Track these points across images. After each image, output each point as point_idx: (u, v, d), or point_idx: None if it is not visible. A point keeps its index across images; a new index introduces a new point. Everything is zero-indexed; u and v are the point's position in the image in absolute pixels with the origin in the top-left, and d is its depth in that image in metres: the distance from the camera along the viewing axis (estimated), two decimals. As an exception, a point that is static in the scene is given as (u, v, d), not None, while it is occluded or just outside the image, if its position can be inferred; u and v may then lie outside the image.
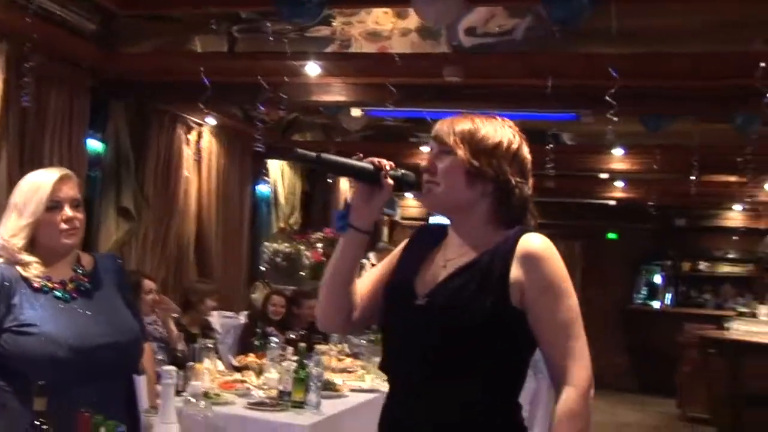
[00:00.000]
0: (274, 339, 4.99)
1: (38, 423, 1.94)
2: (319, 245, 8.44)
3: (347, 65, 4.86)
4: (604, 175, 8.55)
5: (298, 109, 7.11)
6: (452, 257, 1.91)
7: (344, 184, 10.68)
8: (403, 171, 1.91)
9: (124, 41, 5.22)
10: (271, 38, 4.86)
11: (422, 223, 13.04)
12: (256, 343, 5.24)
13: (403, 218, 13.48)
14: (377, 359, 5.05)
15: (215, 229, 7.32)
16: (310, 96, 5.12)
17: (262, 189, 8.49)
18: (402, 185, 1.89)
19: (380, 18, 5.05)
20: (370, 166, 1.86)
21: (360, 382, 4.87)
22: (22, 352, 2.34)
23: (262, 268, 8.01)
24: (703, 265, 12.98)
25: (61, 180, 2.50)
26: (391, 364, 1.95)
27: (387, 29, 5.03)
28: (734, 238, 12.60)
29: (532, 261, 1.81)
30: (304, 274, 7.98)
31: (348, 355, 5.67)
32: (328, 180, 9.91)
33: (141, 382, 2.62)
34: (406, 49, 4.88)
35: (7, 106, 4.65)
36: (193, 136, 6.95)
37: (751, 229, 12.39)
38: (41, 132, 4.97)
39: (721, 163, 7.01)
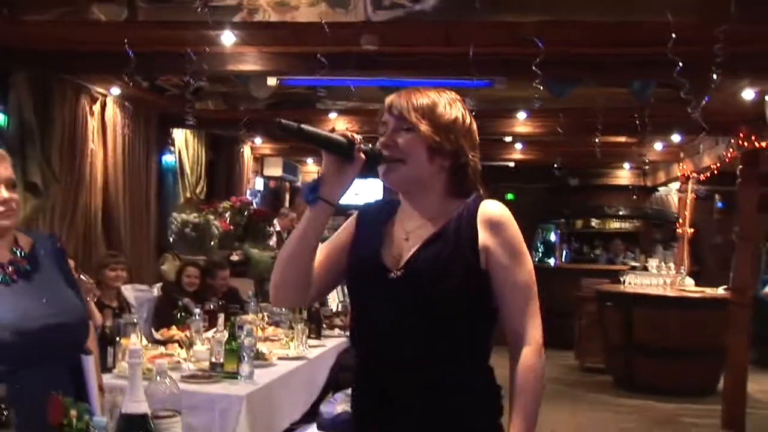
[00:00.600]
0: (197, 311, 4.97)
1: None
2: (227, 214, 8.39)
3: (263, 34, 4.81)
4: (508, 139, 8.80)
5: (205, 78, 6.98)
6: (412, 229, 1.98)
7: (247, 152, 10.60)
8: (372, 146, 1.95)
9: (23, 10, 4.99)
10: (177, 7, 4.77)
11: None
12: (179, 315, 5.21)
13: (304, 183, 13.47)
14: (298, 326, 5.16)
15: (122, 202, 7.16)
16: (226, 65, 5.06)
17: (168, 159, 8.33)
18: (372, 160, 1.93)
19: None
20: (344, 140, 1.88)
21: (285, 350, 4.93)
22: None
23: (171, 240, 7.89)
24: (594, 222, 13.56)
25: None
26: (366, 337, 2.00)
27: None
28: (623, 195, 13.16)
29: (495, 225, 1.91)
30: (213, 244, 7.92)
31: (269, 324, 5.70)
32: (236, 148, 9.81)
33: (90, 363, 2.59)
34: (315, 20, 4.89)
35: None
36: (97, 107, 6.74)
37: (637, 187, 12.99)
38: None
39: (618, 125, 7.32)
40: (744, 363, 7.35)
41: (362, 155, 1.89)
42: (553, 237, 13.59)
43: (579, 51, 4.85)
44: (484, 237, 1.91)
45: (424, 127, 1.91)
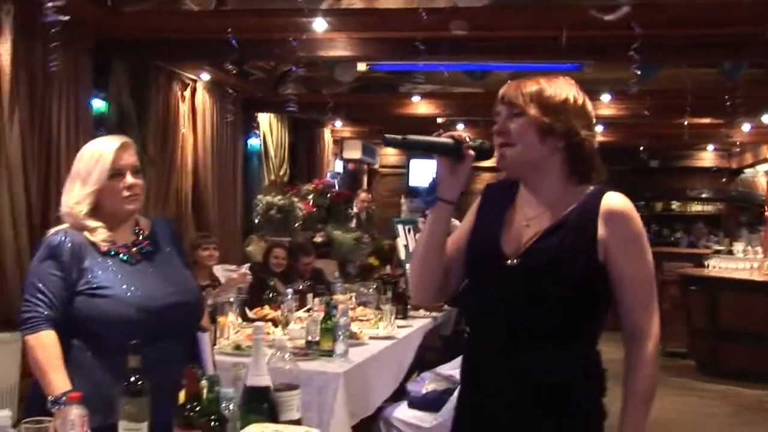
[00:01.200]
0: (289, 291, 5.11)
1: (134, 379, 2.06)
2: (310, 197, 8.55)
3: (353, 20, 4.91)
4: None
5: (292, 63, 7.13)
6: (533, 216, 2.02)
7: (327, 135, 10.75)
8: (479, 140, 2.02)
9: (124, 1, 5.21)
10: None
11: (401, 170, 13.12)
12: (271, 295, 5.37)
13: (382, 166, 13.57)
14: (386, 307, 5.27)
15: (211, 185, 7.38)
16: (317, 51, 5.17)
17: (253, 143, 8.53)
18: (481, 153, 2.00)
19: None
20: (451, 141, 1.97)
21: (375, 330, 5.04)
22: (97, 314, 2.46)
23: (256, 221, 8.09)
24: (675, 205, 13.30)
25: (122, 148, 2.59)
26: (480, 324, 2.06)
27: None
28: (706, 177, 12.88)
29: (617, 218, 1.93)
30: (297, 225, 8.08)
31: (358, 304, 5.82)
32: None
33: (206, 339, 2.74)
34: (399, 5, 4.97)
35: (16, 69, 4.65)
36: (188, 93, 6.96)
37: (722, 169, 12.69)
38: (49, 94, 4.97)
39: (707, 106, 7.20)
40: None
41: (471, 152, 1.97)
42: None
43: (670, 33, 4.80)
44: (603, 230, 1.92)
45: (532, 110, 1.95)
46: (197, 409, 2.00)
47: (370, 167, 13.17)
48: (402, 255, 7.70)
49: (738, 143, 10.70)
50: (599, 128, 9.90)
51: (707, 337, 8.68)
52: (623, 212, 1.94)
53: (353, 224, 8.94)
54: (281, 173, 9.04)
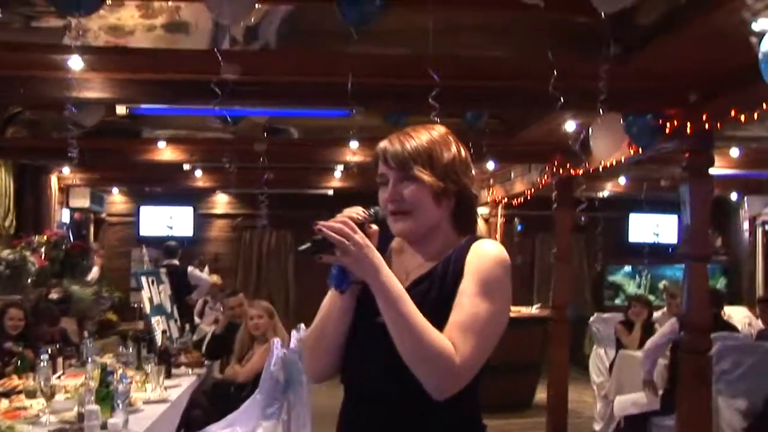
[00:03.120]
0: (44, 357, 4.57)
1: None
2: (43, 249, 7.81)
3: (117, 59, 4.56)
4: (340, 167, 8.88)
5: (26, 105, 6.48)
6: (413, 268, 1.94)
7: (54, 182, 9.92)
8: (375, 209, 1.90)
9: None
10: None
11: (130, 219, 12.45)
12: (19, 363, 4.77)
13: (110, 215, 12.79)
14: (152, 367, 4.91)
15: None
16: (70, 92, 4.69)
17: (-27, 191, 7.63)
18: (383, 224, 1.90)
19: (122, 15, 4.81)
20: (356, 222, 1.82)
21: (143, 393, 4.66)
22: None
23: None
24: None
25: None
26: (355, 379, 1.95)
27: (129, 24, 4.81)
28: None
29: (477, 255, 1.86)
30: (30, 281, 7.33)
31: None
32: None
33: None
34: (151, 45, 4.71)
35: None
36: None
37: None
38: None
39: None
40: (565, 375, 7.85)
41: (373, 227, 1.87)
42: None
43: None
44: (466, 269, 1.86)
45: (427, 177, 1.88)
46: None
47: (97, 216, 12.35)
48: (147, 308, 7.27)
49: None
50: (337, 174, 10.28)
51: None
52: (486, 251, 1.87)
53: (92, 277, 8.30)
54: (7, 224, 8.16)
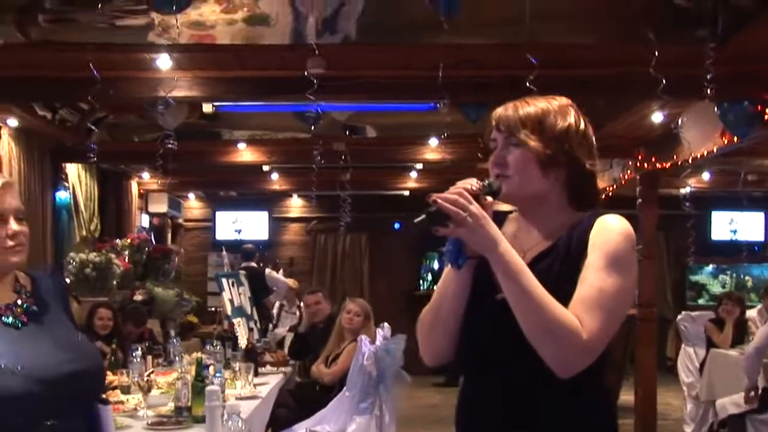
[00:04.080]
0: (137, 353, 4.61)
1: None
2: (126, 252, 7.93)
3: (200, 57, 4.58)
4: (419, 165, 8.79)
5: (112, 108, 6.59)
6: (530, 246, 1.86)
7: (134, 187, 10.10)
8: (487, 181, 1.81)
9: None
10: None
11: (207, 224, 12.62)
12: (112, 360, 4.83)
13: (187, 220, 12.98)
14: (241, 365, 4.92)
15: (18, 242, 6.59)
16: (157, 91, 4.74)
17: (62, 195, 7.78)
18: (495, 196, 1.81)
19: (203, 10, 4.83)
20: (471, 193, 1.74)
21: (233, 390, 4.67)
22: None
23: (68, 281, 7.35)
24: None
25: (2, 188, 2.15)
26: (470, 359, 1.88)
27: (211, 20, 4.82)
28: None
29: (601, 229, 1.78)
30: (115, 283, 7.45)
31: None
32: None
33: (108, 413, 2.31)
34: (233, 39, 4.71)
35: None
36: (-10, 139, 6.22)
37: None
38: None
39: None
40: (653, 375, 7.64)
41: (489, 198, 1.77)
42: (437, 265, 13.67)
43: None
44: (590, 245, 1.77)
45: (532, 141, 1.80)
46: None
47: (174, 221, 12.55)
48: (228, 310, 7.32)
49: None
50: (413, 174, 10.18)
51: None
52: (613, 226, 1.78)
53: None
54: (92, 228, 8.33)
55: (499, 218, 1.92)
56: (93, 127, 5.87)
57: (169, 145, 5.02)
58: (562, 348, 1.66)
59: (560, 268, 1.78)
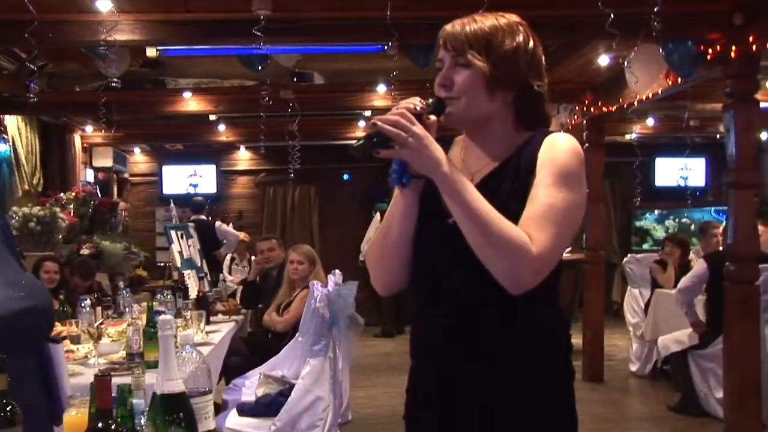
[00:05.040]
0: (87, 303, 4.54)
1: (4, 404, 1.64)
2: (72, 206, 7.78)
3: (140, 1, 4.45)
4: (368, 113, 8.71)
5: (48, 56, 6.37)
6: (478, 168, 1.85)
7: (77, 141, 9.86)
8: (430, 99, 1.77)
9: None
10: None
11: (153, 178, 12.38)
12: (63, 309, 4.76)
13: (133, 175, 12.74)
14: (192, 312, 4.88)
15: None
16: (96, 36, 4.59)
17: (1, 148, 7.57)
18: (439, 114, 1.77)
19: None
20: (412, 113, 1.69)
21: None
22: None
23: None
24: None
25: None
26: (426, 283, 1.88)
27: None
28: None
29: (550, 146, 1.77)
30: (60, 237, 7.31)
31: (158, 313, 5.34)
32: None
33: (60, 352, 2.28)
34: None
35: None
36: None
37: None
38: None
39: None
40: (601, 317, 7.80)
41: (431, 118, 1.73)
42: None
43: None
44: (539, 163, 1.76)
45: (479, 62, 1.77)
46: (112, 428, 1.62)
47: (120, 176, 12.31)
48: (178, 262, 7.24)
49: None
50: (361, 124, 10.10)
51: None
52: (559, 143, 1.77)
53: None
54: (35, 182, 8.13)
55: (446, 141, 1.90)
56: (33, 67, 5.66)
57: (113, 84, 4.86)
58: (512, 263, 1.66)
59: (510, 187, 1.78)
